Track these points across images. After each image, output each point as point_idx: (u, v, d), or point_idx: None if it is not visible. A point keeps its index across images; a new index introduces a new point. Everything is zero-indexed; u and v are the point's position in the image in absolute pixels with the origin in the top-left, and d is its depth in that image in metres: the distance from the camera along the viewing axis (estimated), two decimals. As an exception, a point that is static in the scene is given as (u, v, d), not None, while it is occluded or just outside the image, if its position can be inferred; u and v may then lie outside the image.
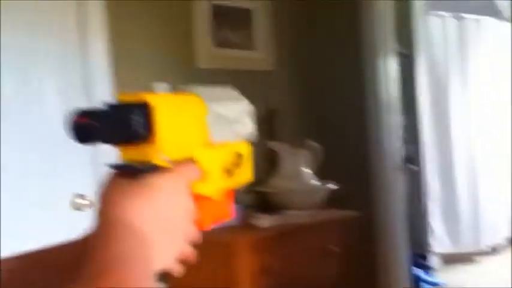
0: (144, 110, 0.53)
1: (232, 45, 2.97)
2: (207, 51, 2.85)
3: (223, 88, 0.68)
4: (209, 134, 0.61)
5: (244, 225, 2.57)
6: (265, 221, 2.57)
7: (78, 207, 2.27)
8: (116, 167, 0.56)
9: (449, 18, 4.94)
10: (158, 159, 0.55)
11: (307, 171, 2.88)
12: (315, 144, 2.91)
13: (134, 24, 2.62)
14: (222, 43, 2.92)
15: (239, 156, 0.65)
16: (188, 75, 2.79)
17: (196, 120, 0.59)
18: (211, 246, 2.47)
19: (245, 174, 0.67)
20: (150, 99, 0.54)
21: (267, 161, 3.04)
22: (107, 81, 2.46)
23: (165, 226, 0.55)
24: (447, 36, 4.91)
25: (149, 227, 0.53)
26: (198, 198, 0.59)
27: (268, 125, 3.08)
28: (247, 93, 2.76)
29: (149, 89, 0.58)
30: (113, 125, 0.53)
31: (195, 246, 0.62)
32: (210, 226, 0.63)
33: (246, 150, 0.67)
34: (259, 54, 3.08)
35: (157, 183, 0.54)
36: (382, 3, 3.20)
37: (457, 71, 4.95)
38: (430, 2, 4.78)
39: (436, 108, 4.85)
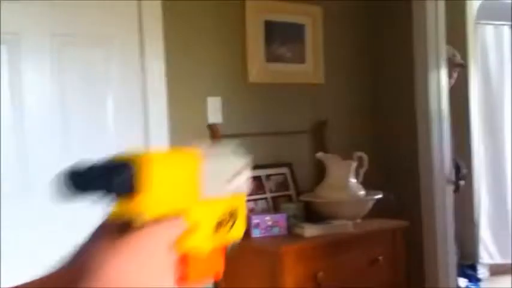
0: (129, 168, 0.54)
1: (283, 59, 3.07)
2: (259, 66, 2.96)
3: (225, 144, 0.69)
4: (202, 189, 0.61)
5: (290, 234, 2.66)
6: (311, 230, 2.64)
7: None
8: (101, 224, 0.57)
9: (502, 26, 4.89)
10: (141, 216, 0.56)
11: (354, 181, 2.95)
12: (363, 155, 2.97)
13: (189, 42, 2.76)
14: (273, 58, 3.02)
15: (232, 211, 0.65)
16: (240, 89, 2.91)
17: (188, 176, 0.60)
18: (258, 255, 2.59)
19: (237, 230, 0.66)
20: (136, 157, 0.55)
21: (315, 172, 3.13)
22: (162, 96, 2.62)
23: (142, 283, 0.54)
24: (501, 45, 4.85)
25: (125, 284, 0.53)
26: (185, 254, 0.59)
27: (317, 137, 3.17)
28: (298, 105, 2.88)
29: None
30: (99, 183, 0.54)
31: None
32: (197, 282, 0.62)
33: (240, 206, 0.67)
34: (310, 67, 3.17)
35: (136, 240, 0.54)
36: (434, 13, 3.22)
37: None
38: (483, 11, 4.74)
39: (489, 118, 4.81)
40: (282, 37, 3.06)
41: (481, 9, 4.73)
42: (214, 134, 2.79)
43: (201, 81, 2.79)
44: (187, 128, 2.73)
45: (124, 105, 2.54)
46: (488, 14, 4.80)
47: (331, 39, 3.25)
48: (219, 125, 2.81)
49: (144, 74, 2.59)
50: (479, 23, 4.70)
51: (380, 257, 2.76)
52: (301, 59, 3.13)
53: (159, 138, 2.57)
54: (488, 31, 4.76)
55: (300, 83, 3.14)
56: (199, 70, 2.79)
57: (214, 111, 2.81)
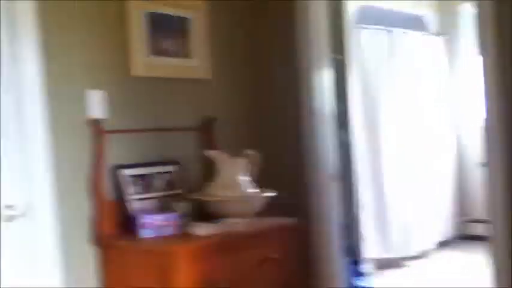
0: None
1: (168, 53, 2.94)
2: (142, 59, 2.80)
3: None
4: None
5: (182, 234, 2.54)
6: (203, 229, 2.55)
7: (7, 219, 2.22)
8: None
9: (379, 30, 5.09)
10: None
11: (245, 179, 2.88)
12: (253, 153, 2.92)
13: (68, 33, 2.54)
14: (158, 51, 2.88)
15: None
16: (123, 83, 2.74)
17: None
18: (149, 256, 2.44)
19: None
20: None
21: (204, 170, 3.03)
22: (37, 90, 2.39)
23: None
24: (377, 48, 5.05)
25: None
26: None
27: (206, 134, 3.07)
28: (185, 101, 2.76)
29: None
30: None
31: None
32: None
33: None
34: (197, 62, 3.06)
35: None
36: (316, 13, 3.25)
37: (387, 82, 5.10)
38: (362, 14, 4.92)
39: (367, 118, 4.98)
40: (166, 30, 2.93)
41: (359, 14, 4.93)
42: (97, 130, 2.60)
43: (81, 74, 2.59)
44: (67, 125, 2.53)
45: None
46: (365, 18, 5.00)
47: (217, 34, 3.17)
48: (102, 120, 2.63)
49: (16, 66, 2.33)
50: (357, 27, 4.86)
51: (273, 255, 2.71)
52: (187, 54, 3.02)
53: (35, 135, 2.37)
54: (366, 34, 4.93)
55: (186, 78, 3.02)
56: (79, 62, 2.59)
57: (96, 105, 2.62)
